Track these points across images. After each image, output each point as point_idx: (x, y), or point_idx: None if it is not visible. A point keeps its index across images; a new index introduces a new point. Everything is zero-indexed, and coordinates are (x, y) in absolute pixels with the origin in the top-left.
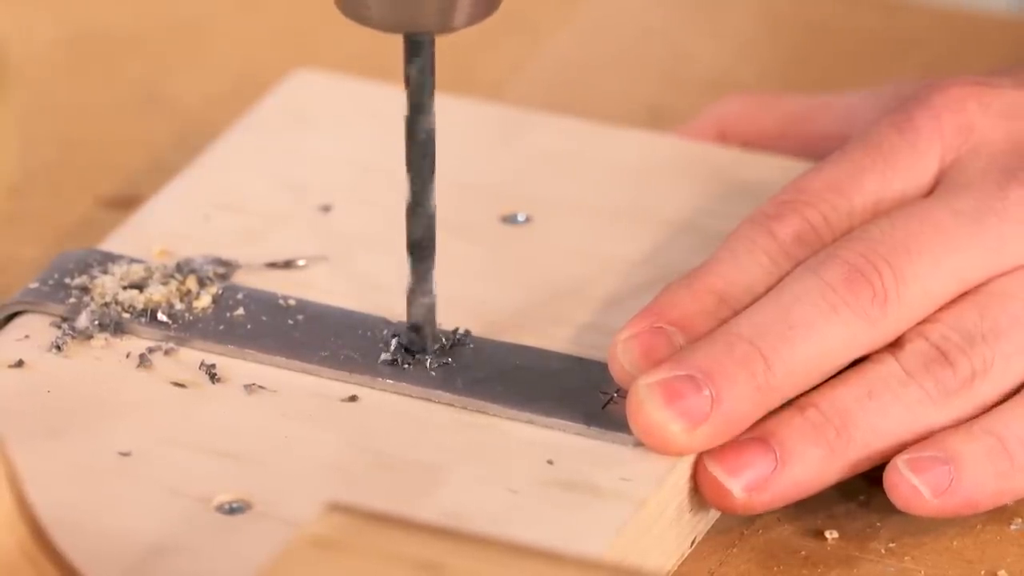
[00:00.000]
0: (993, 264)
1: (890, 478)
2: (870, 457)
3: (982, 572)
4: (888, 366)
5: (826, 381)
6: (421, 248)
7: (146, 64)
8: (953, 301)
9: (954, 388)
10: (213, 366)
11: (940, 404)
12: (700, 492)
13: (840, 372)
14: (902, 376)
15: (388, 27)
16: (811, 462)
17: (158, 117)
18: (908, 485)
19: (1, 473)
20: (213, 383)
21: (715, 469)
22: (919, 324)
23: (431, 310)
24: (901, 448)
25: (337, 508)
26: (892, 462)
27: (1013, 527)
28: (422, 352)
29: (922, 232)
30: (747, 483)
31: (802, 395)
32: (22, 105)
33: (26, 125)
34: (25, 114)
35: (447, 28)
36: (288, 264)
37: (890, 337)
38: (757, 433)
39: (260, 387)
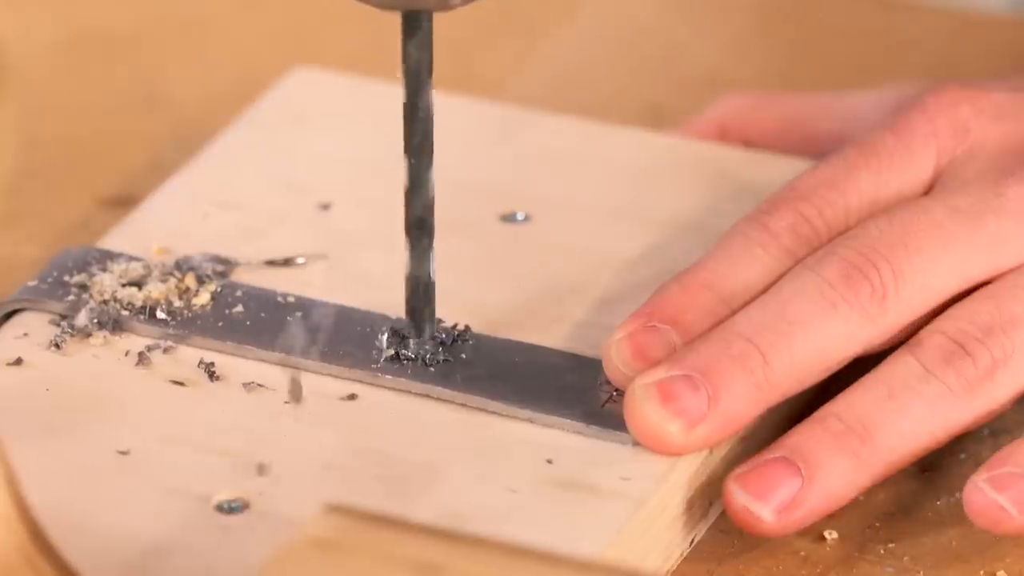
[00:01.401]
0: (995, 261)
1: (973, 501)
2: (898, 460)
3: (981, 572)
4: (907, 365)
5: (843, 388)
6: (420, 228)
7: (146, 64)
8: (967, 295)
9: (976, 379)
10: (212, 364)
11: (963, 398)
12: (731, 520)
13: (856, 377)
14: (922, 373)
15: (387, 5)
16: (838, 473)
17: (157, 117)
18: (995, 506)
19: (1, 473)
20: (212, 381)
21: (742, 496)
22: (936, 320)
23: (430, 291)
24: (928, 447)
25: (337, 508)
26: (971, 483)
27: None
28: (420, 347)
29: (920, 229)
30: (776, 506)
31: (820, 406)
32: (22, 105)
33: (26, 125)
34: (25, 114)
35: (445, 6)
36: (287, 262)
37: (889, 334)
38: (779, 452)
39: (259, 385)
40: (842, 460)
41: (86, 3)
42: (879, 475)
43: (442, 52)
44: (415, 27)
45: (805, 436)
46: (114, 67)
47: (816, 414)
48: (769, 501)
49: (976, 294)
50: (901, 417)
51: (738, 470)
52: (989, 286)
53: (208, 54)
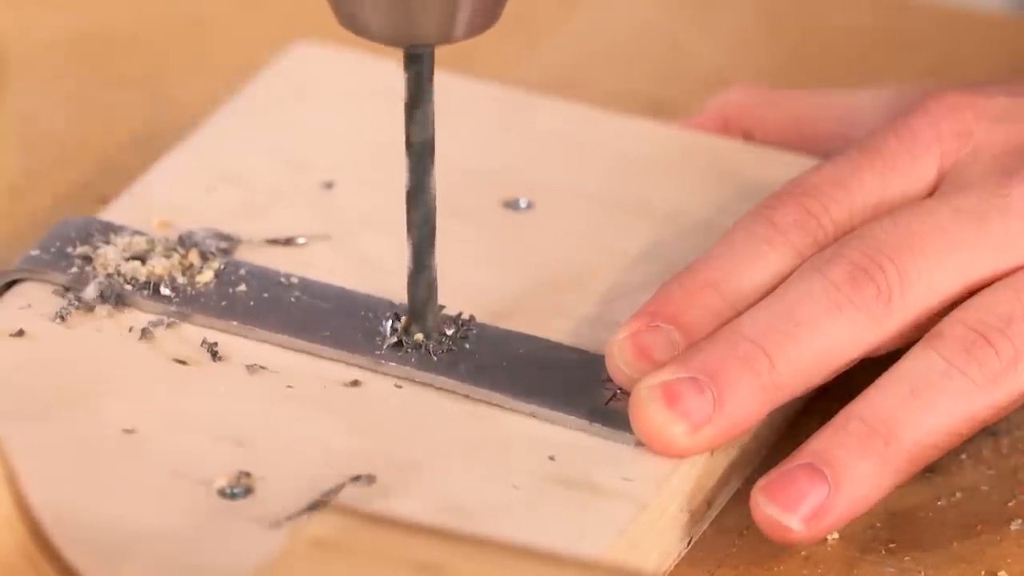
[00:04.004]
0: (1001, 261)
1: None
2: (923, 457)
3: (982, 572)
4: (928, 359)
5: (864, 389)
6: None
7: (147, 64)
8: (985, 287)
9: (999, 370)
10: (215, 344)
11: (986, 390)
12: (760, 530)
13: (874, 376)
14: (944, 367)
15: (388, 40)
16: (864, 476)
17: (158, 117)
18: None
19: (1, 473)
20: (215, 361)
21: (770, 508)
22: (955, 311)
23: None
24: (953, 443)
25: (337, 508)
26: None
27: (1013, 527)
28: (424, 335)
29: (925, 231)
30: (805, 515)
31: (841, 408)
32: (22, 105)
33: (26, 125)
34: (25, 114)
35: (447, 40)
36: (288, 241)
37: (895, 336)
38: (803, 459)
39: (262, 367)
40: (868, 463)
41: (86, 3)
42: (905, 475)
43: (443, 49)
44: (416, 59)
45: (829, 441)
46: (115, 67)
47: (838, 417)
48: (798, 511)
49: (994, 285)
50: (925, 415)
51: (763, 480)
52: (1007, 277)
53: (210, 54)
